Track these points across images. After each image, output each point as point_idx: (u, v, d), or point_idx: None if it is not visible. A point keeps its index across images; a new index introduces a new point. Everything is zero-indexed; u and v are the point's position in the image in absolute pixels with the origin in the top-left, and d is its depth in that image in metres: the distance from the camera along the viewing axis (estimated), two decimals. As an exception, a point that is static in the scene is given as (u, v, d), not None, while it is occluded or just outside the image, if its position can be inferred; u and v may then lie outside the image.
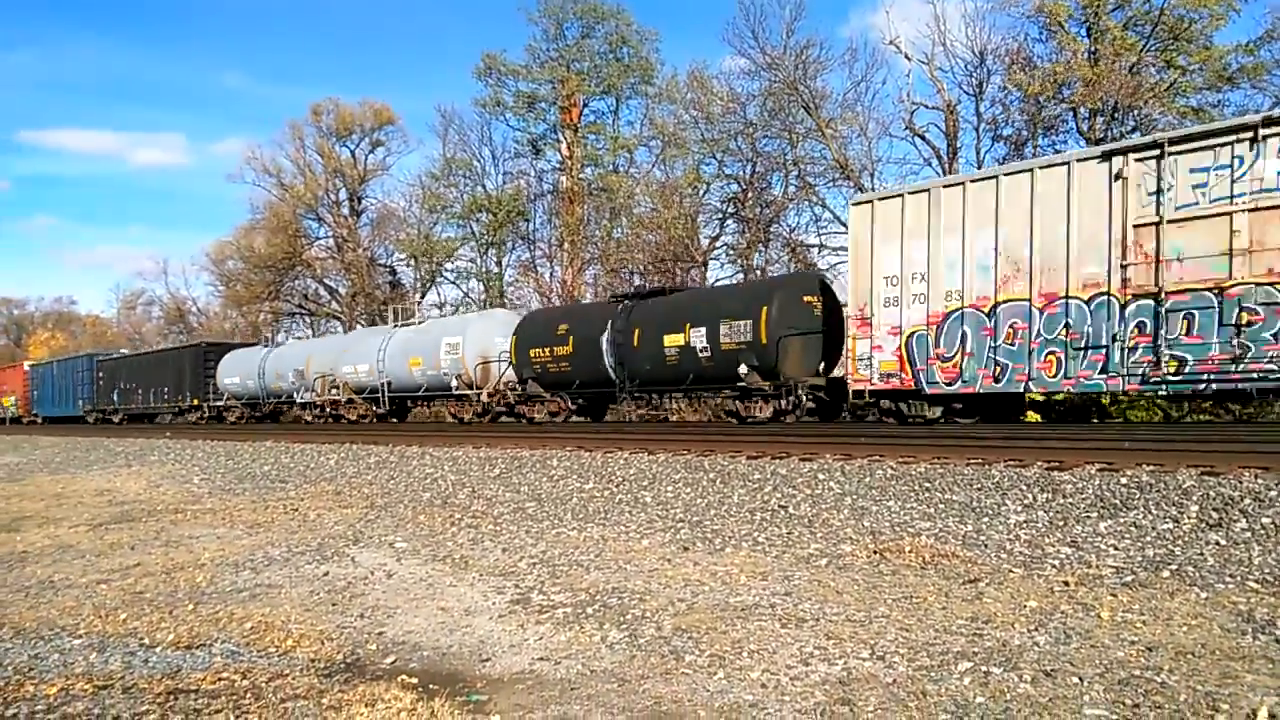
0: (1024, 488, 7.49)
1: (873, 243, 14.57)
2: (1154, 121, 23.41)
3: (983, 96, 27.03)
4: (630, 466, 10.52)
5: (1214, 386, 11.27)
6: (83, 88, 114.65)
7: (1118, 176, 11.90)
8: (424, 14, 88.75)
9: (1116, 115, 23.82)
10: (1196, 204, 11.24)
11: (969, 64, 27.24)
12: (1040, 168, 12.72)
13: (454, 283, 44.87)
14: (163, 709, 3.90)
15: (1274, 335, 10.63)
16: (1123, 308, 11.78)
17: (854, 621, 4.86)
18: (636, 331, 18.06)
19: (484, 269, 41.80)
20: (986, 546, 6.44)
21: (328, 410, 27.59)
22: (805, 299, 16.29)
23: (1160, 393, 12.19)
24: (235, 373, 32.15)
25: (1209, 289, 11.07)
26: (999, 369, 12.96)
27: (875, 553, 6.47)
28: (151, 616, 5.53)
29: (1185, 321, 11.30)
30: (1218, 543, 5.93)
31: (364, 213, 49.46)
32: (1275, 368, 10.58)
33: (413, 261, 45.05)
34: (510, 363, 21.80)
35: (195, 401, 34.27)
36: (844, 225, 28.72)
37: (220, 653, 4.74)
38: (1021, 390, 13.04)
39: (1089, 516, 6.73)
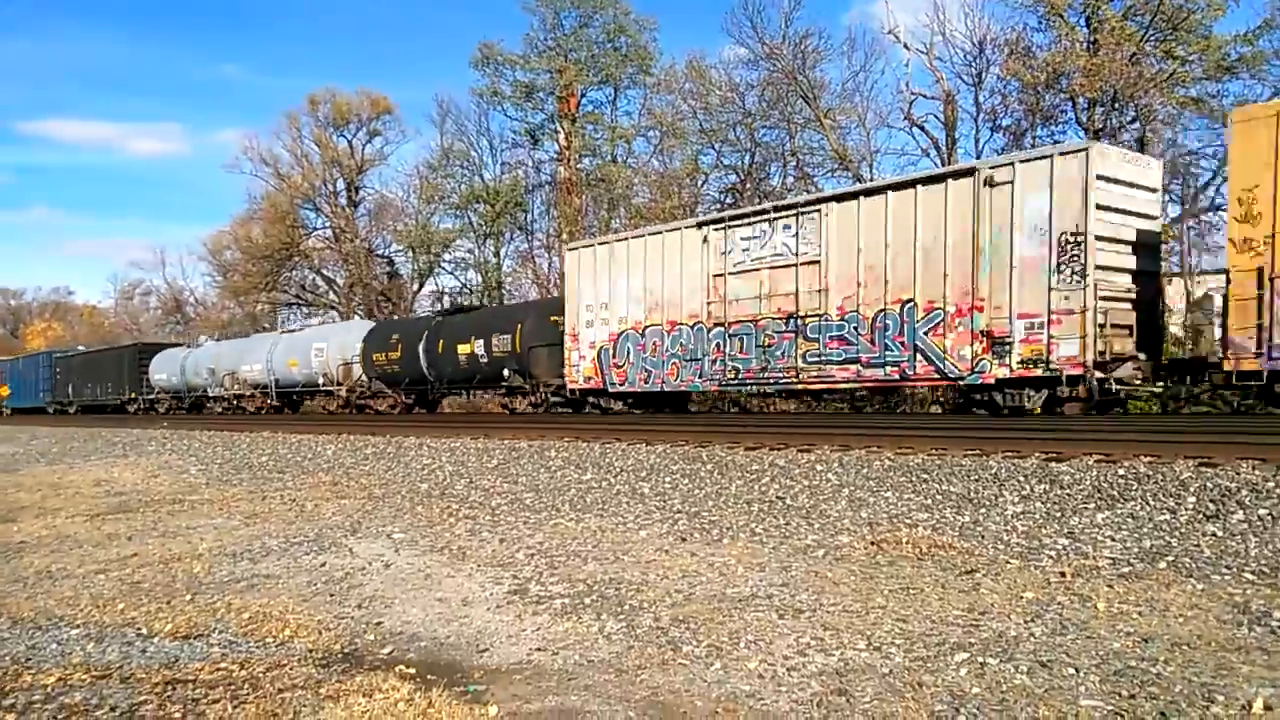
0: (1021, 479, 7.50)
1: (579, 279, 19.19)
2: (1154, 112, 23.36)
3: (982, 86, 26.97)
4: (628, 457, 10.52)
5: (750, 388, 16.38)
6: (80, 78, 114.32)
7: (705, 241, 16.54)
8: (421, 3, 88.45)
9: (1116, 105, 23.77)
10: (744, 262, 15.88)
11: (968, 54, 27.17)
12: (666, 231, 17.61)
13: (451, 273, 44.82)
14: (160, 699, 3.91)
15: (782, 354, 15.10)
16: (709, 332, 16.37)
17: (851, 612, 4.87)
18: (441, 342, 22.99)
19: (482, 259, 41.74)
20: (983, 538, 6.45)
21: (233, 403, 31.83)
22: (551, 319, 20.44)
23: (730, 390, 17.78)
24: (163, 370, 36.28)
25: (750, 320, 15.66)
26: (646, 374, 17.68)
27: (872, 544, 6.48)
28: (149, 607, 5.54)
29: (739, 342, 15.86)
30: (1214, 534, 5.94)
31: (361, 203, 49.34)
32: (784, 376, 15.09)
33: (410, 252, 44.98)
34: (360, 364, 26.40)
35: (132, 395, 38.67)
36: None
37: (218, 643, 4.75)
38: (658, 390, 17.63)
39: (1086, 508, 6.74)
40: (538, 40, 38.71)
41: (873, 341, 13.83)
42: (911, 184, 13.72)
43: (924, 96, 27.64)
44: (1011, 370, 12.40)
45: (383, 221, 47.31)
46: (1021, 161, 12.50)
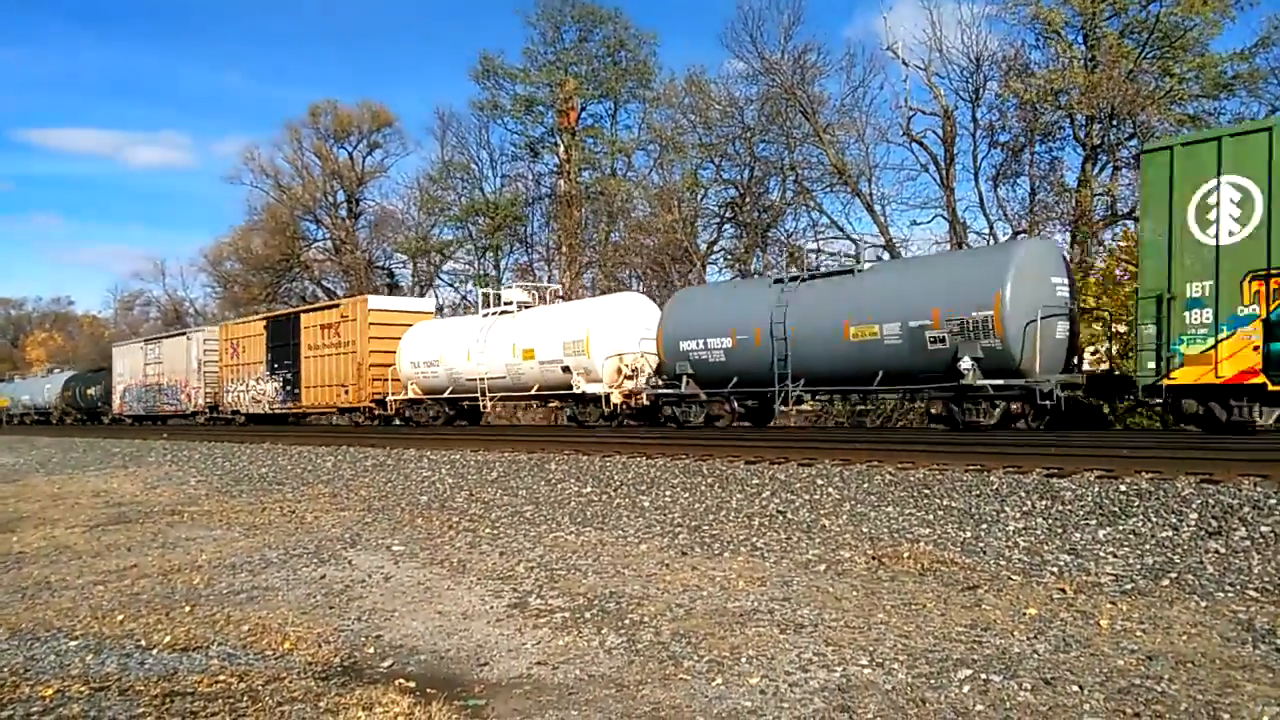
0: (1023, 494, 7.49)
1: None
2: (1152, 129, 23.45)
3: (979, 102, 27.08)
4: (628, 470, 10.50)
5: None
6: (82, 86, 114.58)
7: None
8: (423, 17, 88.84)
9: (1114, 122, 23.86)
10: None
11: (965, 70, 27.29)
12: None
13: (451, 285, 44.88)
14: (159, 711, 3.88)
15: None
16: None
17: (853, 628, 4.85)
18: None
19: (481, 272, 41.78)
20: (985, 553, 6.43)
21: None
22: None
23: None
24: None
25: None
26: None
27: (874, 559, 6.47)
28: (148, 618, 5.51)
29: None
30: (1217, 551, 5.92)
31: (362, 215, 49.45)
32: None
33: (410, 264, 45.03)
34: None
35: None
36: (839, 230, 28.76)
37: (217, 655, 4.73)
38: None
39: (1088, 524, 6.72)
40: (538, 54, 38.93)
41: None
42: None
43: (922, 112, 27.77)
44: None
45: (383, 233, 47.43)
46: None
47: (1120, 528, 6.54)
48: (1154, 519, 6.56)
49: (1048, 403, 13.00)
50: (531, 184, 40.64)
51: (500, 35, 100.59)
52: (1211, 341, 11.44)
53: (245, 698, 4.05)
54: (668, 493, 9.32)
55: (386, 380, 24.15)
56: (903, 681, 4.00)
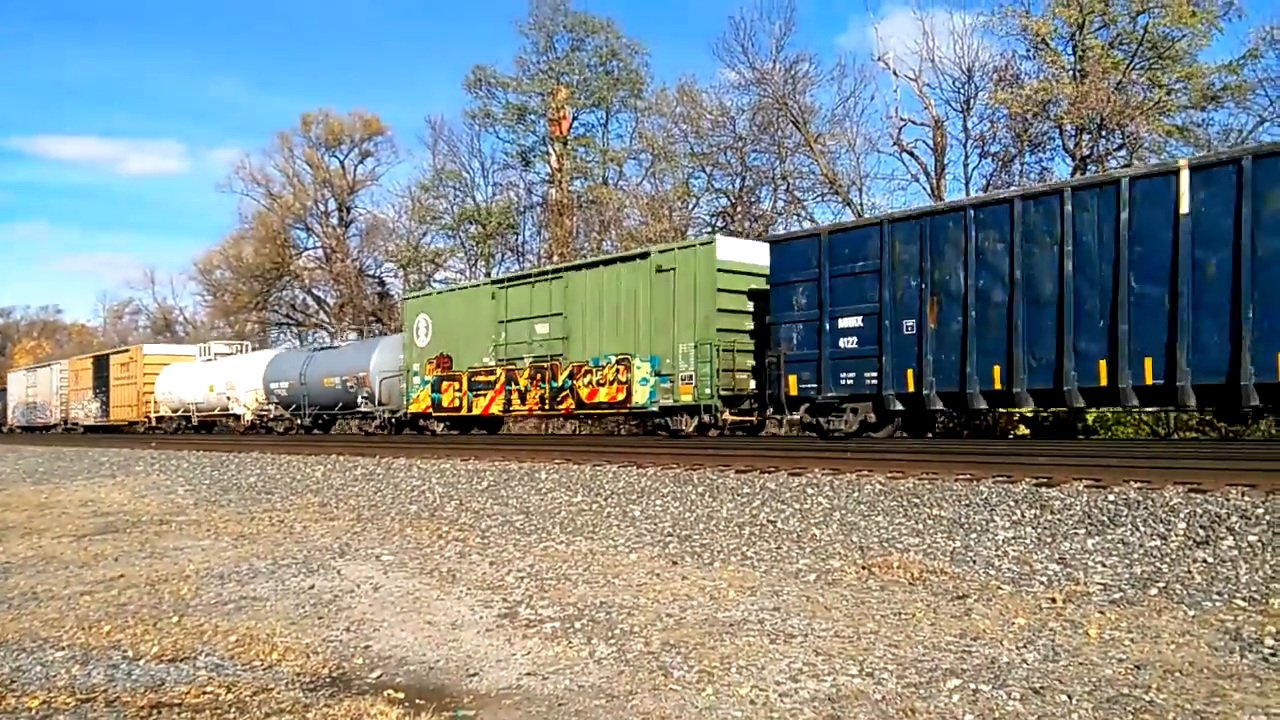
0: (1012, 504, 7.51)
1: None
2: (1140, 139, 23.61)
3: (970, 113, 27.21)
4: (618, 480, 10.49)
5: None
6: (75, 94, 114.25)
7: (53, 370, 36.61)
8: (415, 26, 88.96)
9: (1103, 132, 24.01)
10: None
11: (956, 80, 27.42)
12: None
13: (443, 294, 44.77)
14: (146, 724, 3.86)
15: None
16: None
17: (843, 637, 4.85)
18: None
19: (473, 281, 41.74)
20: (975, 563, 6.44)
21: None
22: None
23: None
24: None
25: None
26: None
27: (864, 568, 6.47)
28: (135, 629, 5.48)
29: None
30: (1205, 560, 5.95)
31: (353, 223, 49.35)
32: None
33: (401, 272, 44.97)
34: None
35: None
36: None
37: (205, 666, 4.70)
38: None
39: (1077, 533, 6.75)
40: (530, 63, 38.98)
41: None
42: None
43: (913, 123, 27.88)
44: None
45: (374, 242, 47.35)
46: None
47: (1109, 537, 6.56)
48: (1142, 528, 6.58)
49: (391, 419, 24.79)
50: (523, 192, 40.68)
51: (492, 44, 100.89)
52: (416, 394, 23.25)
53: (233, 709, 4.03)
54: (658, 502, 9.32)
55: (153, 401, 35.71)
56: (892, 691, 4.00)
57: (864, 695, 3.96)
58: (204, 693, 4.26)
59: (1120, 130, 23.60)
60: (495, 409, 20.78)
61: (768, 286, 15.71)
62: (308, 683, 4.44)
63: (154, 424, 35.46)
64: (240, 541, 8.89)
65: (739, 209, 31.95)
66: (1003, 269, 12.84)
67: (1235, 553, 5.97)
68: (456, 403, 21.70)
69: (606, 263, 18.73)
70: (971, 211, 13.32)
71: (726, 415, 16.49)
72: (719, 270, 16.33)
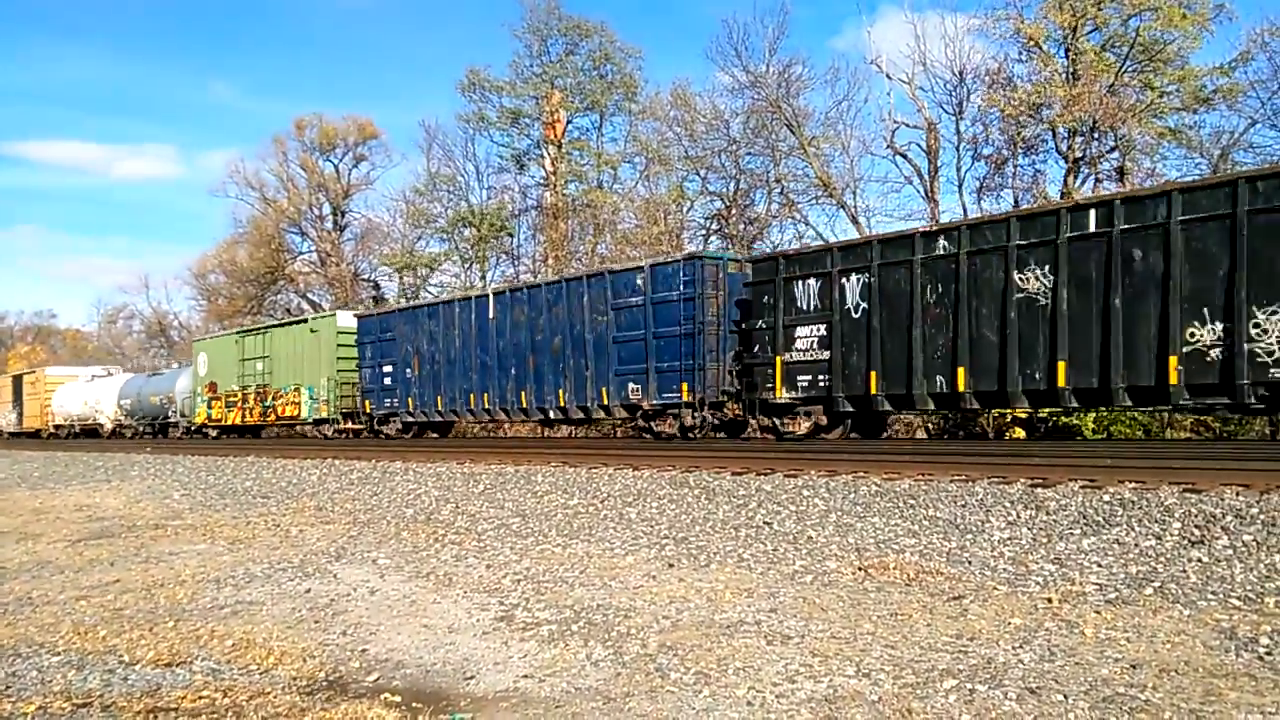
0: (1008, 504, 7.53)
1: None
2: (1133, 141, 23.68)
3: (963, 116, 27.28)
4: (615, 482, 10.50)
5: None
6: (68, 99, 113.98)
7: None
8: (410, 29, 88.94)
9: (1096, 135, 24.08)
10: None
11: (949, 83, 27.49)
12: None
13: (437, 298, 44.72)
14: (142, 728, 3.85)
15: None
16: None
17: (839, 639, 4.86)
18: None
19: (467, 284, 41.71)
20: (971, 563, 6.46)
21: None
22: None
23: None
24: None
25: None
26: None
27: (860, 569, 6.48)
28: (131, 633, 5.47)
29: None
30: (1200, 560, 5.97)
31: (347, 227, 49.32)
32: None
33: (396, 276, 44.92)
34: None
35: None
36: (824, 242, 28.85)
37: (201, 670, 4.70)
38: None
39: (1072, 533, 6.76)
40: (524, 67, 38.97)
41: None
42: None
43: (906, 125, 27.95)
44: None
45: (368, 245, 47.32)
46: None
47: (1104, 537, 6.58)
48: (1137, 528, 6.60)
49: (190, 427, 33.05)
50: (518, 196, 40.67)
51: (486, 48, 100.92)
52: (198, 409, 32.10)
53: (230, 713, 4.02)
54: (654, 504, 9.32)
55: (51, 413, 43.14)
56: (889, 692, 4.01)
57: (860, 696, 3.97)
58: (200, 697, 4.25)
59: (1113, 132, 23.68)
60: (236, 420, 30.26)
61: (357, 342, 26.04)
62: (304, 686, 4.44)
63: (53, 431, 43.46)
64: (236, 546, 8.88)
65: (733, 212, 32.00)
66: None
67: (1230, 552, 5.99)
68: (219, 416, 31.09)
69: (290, 324, 29.63)
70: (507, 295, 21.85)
71: (346, 424, 26.27)
72: (338, 332, 26.59)
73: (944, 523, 7.45)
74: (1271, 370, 10.71)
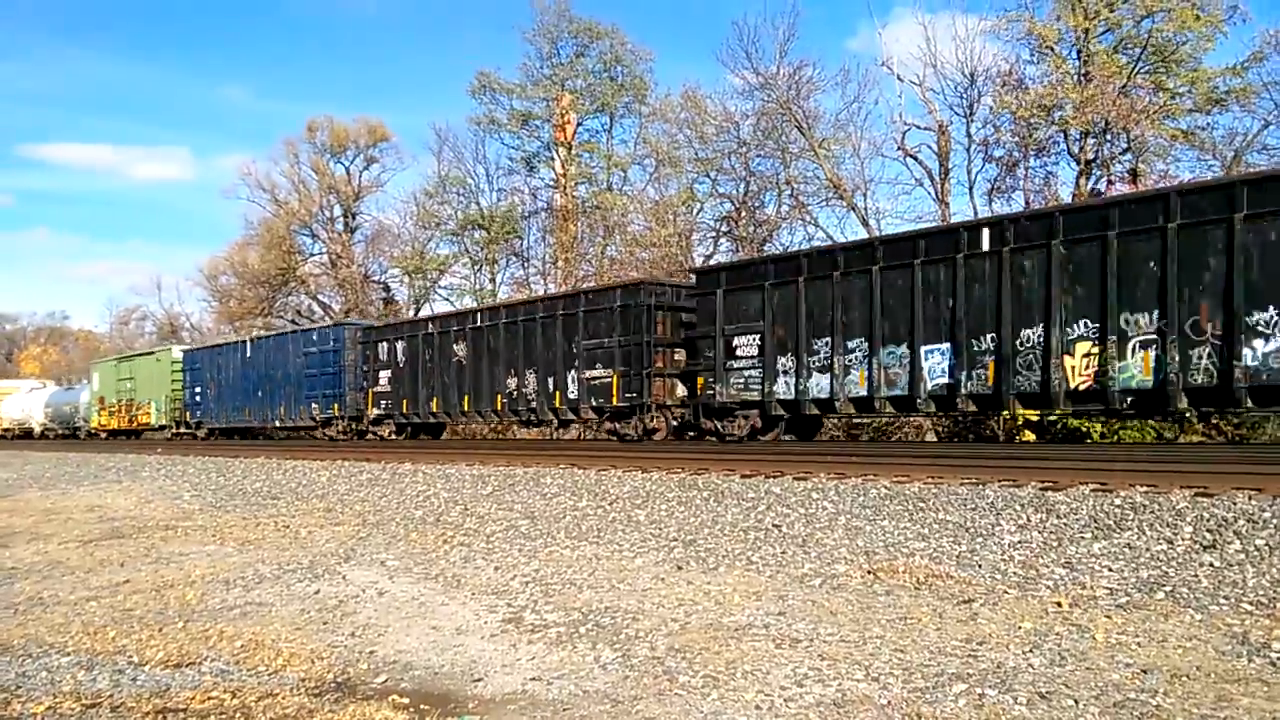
0: (1018, 508, 7.49)
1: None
2: (1145, 143, 23.56)
3: (974, 118, 27.17)
4: (624, 484, 10.49)
5: None
6: (82, 101, 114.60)
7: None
8: (421, 32, 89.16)
9: (1108, 136, 23.97)
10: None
11: (960, 85, 27.40)
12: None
13: (448, 299, 44.79)
14: (151, 729, 3.86)
15: None
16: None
17: (848, 642, 4.84)
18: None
19: (477, 286, 41.80)
20: (981, 567, 6.43)
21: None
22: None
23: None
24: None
25: None
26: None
27: (869, 573, 6.46)
28: (141, 634, 5.49)
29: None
30: (1212, 564, 5.93)
31: (358, 229, 49.45)
32: None
33: (406, 278, 45.04)
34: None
35: None
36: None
37: (210, 671, 4.71)
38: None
39: (1083, 537, 6.73)
40: (534, 69, 39.05)
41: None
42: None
43: (917, 127, 27.83)
44: None
45: (379, 248, 47.43)
46: None
47: (1115, 541, 6.54)
48: (1149, 532, 6.56)
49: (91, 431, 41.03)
50: (528, 198, 40.73)
51: (497, 51, 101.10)
52: (94, 417, 41.31)
53: (238, 714, 4.03)
54: (663, 506, 9.31)
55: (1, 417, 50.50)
56: (898, 696, 3.99)
57: (869, 700, 3.95)
58: (209, 698, 4.26)
59: (1125, 134, 23.56)
60: (115, 425, 38.48)
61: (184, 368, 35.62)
62: (313, 688, 4.44)
63: (1, 433, 50.27)
64: (245, 547, 8.90)
65: (743, 214, 31.95)
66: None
67: (1242, 556, 5.95)
68: (106, 422, 39.10)
69: (146, 354, 39.16)
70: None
71: (178, 430, 34.97)
72: (173, 362, 35.87)
73: (954, 526, 7.42)
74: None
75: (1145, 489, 7.48)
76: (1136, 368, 11.60)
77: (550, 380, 20.37)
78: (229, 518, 11.38)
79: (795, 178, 30.00)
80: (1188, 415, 13.91)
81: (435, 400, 23.57)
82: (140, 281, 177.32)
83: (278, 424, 29.59)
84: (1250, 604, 5.24)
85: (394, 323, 29.10)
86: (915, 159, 27.89)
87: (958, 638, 4.85)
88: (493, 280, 41.43)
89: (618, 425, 19.12)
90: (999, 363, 12.65)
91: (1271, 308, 10.63)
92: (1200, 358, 11.11)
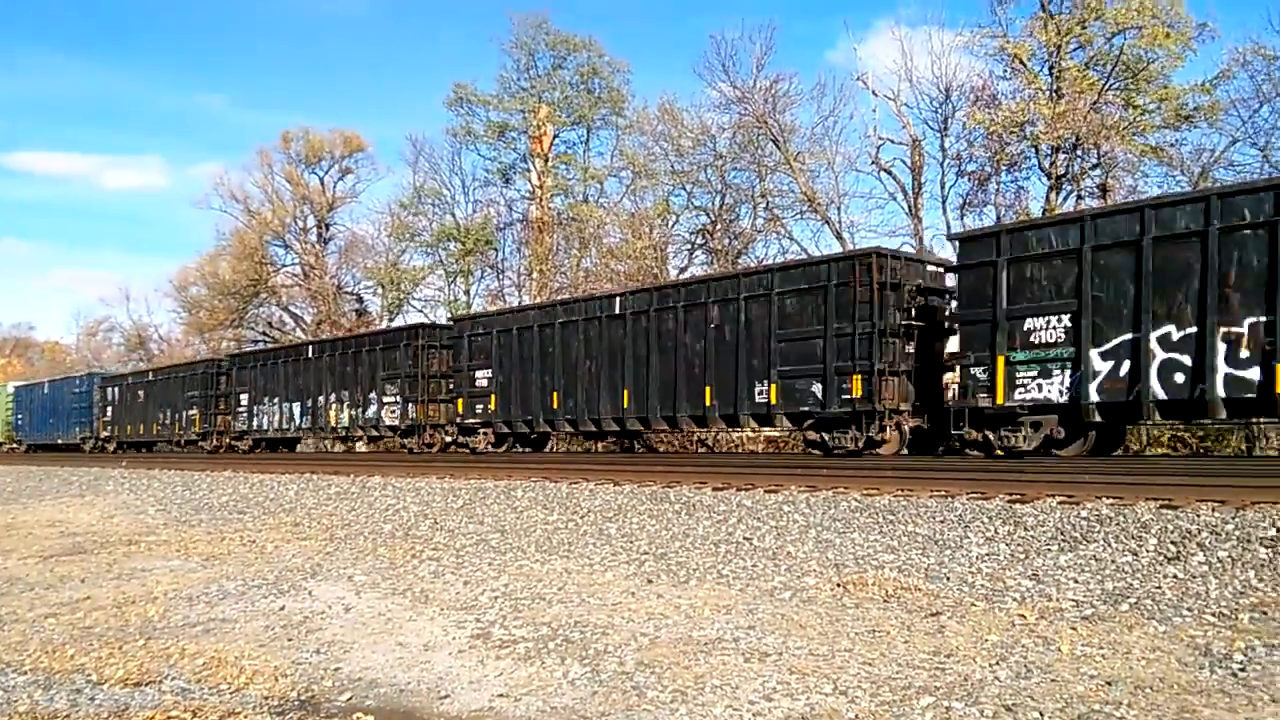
0: (986, 520, 7.53)
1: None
2: (1115, 159, 23.88)
3: (947, 132, 27.46)
4: (595, 498, 10.45)
5: None
6: (55, 110, 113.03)
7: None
8: (397, 43, 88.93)
9: (1078, 152, 24.28)
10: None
11: (934, 100, 27.69)
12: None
13: (421, 311, 44.55)
14: (107, 749, 3.79)
15: None
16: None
17: (817, 656, 4.84)
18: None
19: (451, 297, 41.63)
20: (949, 579, 6.45)
21: None
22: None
23: None
24: None
25: None
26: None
27: (839, 586, 6.46)
28: (100, 652, 5.39)
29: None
30: (1175, 576, 5.98)
31: (332, 240, 49.12)
32: None
33: (379, 290, 44.78)
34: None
35: None
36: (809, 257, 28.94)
37: (170, 690, 4.62)
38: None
39: (1049, 549, 6.77)
40: (511, 81, 39.03)
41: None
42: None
43: (891, 141, 28.10)
44: None
45: (353, 259, 47.10)
46: None
47: (1081, 553, 6.59)
48: (1114, 544, 6.62)
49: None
50: (504, 209, 40.64)
51: (474, 62, 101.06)
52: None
53: (197, 733, 3.96)
54: (634, 520, 9.28)
55: None
56: (866, 710, 3.98)
57: (837, 714, 3.95)
58: (169, 717, 4.18)
59: (1095, 150, 23.88)
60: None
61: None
62: (276, 706, 4.38)
63: None
64: (210, 562, 8.78)
65: (718, 227, 32.07)
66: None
67: (1205, 568, 6.01)
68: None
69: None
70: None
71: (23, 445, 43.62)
72: (8, 394, 47.08)
73: (923, 539, 7.45)
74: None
75: (1111, 501, 7.54)
76: None
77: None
78: (194, 532, 11.22)
79: (770, 191, 30.18)
80: None
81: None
82: (109, 292, 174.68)
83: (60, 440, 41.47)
84: (1213, 615, 5.28)
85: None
86: (889, 173, 28.15)
87: (925, 650, 4.86)
88: (467, 293, 41.30)
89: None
90: None
91: None
92: None
